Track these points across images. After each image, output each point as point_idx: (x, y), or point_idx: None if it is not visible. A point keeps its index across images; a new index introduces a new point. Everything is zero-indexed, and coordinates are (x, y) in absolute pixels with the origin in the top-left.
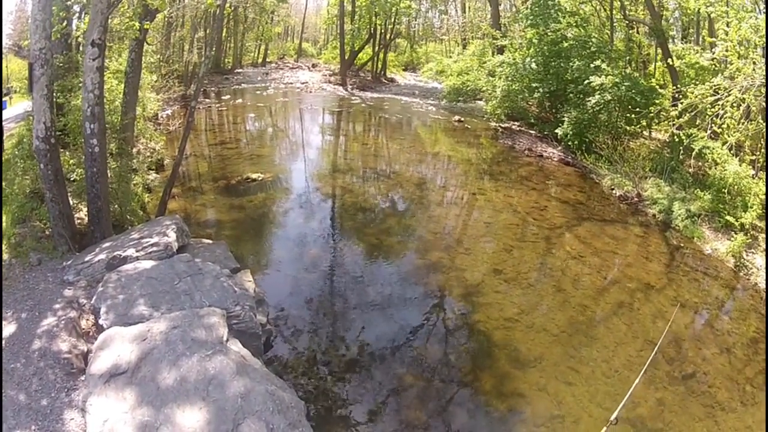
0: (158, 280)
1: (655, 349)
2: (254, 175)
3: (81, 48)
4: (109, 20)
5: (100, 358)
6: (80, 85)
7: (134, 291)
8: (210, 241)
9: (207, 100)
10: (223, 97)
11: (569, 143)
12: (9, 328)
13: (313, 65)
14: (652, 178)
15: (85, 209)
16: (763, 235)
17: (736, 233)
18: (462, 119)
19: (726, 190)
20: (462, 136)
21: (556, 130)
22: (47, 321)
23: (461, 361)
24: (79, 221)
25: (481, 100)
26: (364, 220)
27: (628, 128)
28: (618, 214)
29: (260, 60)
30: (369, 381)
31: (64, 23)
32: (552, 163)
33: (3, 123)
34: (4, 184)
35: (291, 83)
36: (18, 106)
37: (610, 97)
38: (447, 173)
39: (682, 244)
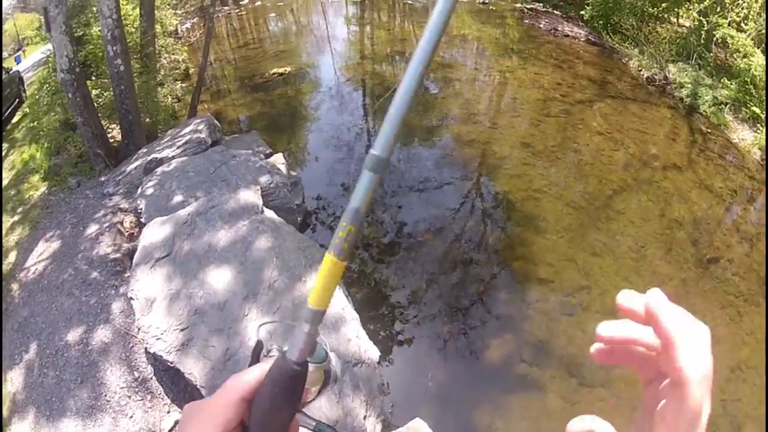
0: (194, 173)
1: None
2: (280, 70)
3: None
4: None
5: (143, 249)
6: (96, 17)
7: (171, 185)
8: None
9: (225, 7)
10: (241, 2)
11: (595, 24)
12: (53, 246)
13: None
14: (679, 62)
15: (116, 130)
16: None
17: (761, 126)
18: (487, 1)
19: (751, 82)
20: (487, 18)
21: (582, 12)
22: (91, 230)
23: (495, 233)
24: (112, 139)
25: None
26: None
27: (653, 11)
28: (645, 94)
29: None
30: (409, 264)
31: None
32: (578, 42)
33: (22, 75)
34: (33, 123)
35: None
36: (32, 57)
37: None
38: (474, 53)
39: (708, 131)
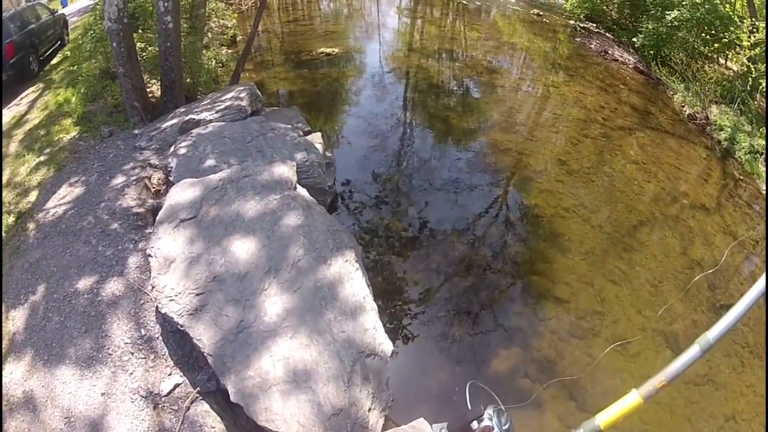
0: (230, 139)
1: None
2: (328, 50)
3: None
4: None
5: (169, 207)
6: None
7: (206, 148)
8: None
9: None
10: None
11: (645, 53)
12: (77, 191)
13: None
14: (722, 105)
15: (156, 85)
16: None
17: None
18: (541, 13)
19: None
20: (540, 30)
21: (634, 39)
22: (117, 181)
23: (518, 244)
24: (150, 95)
25: None
26: (436, 102)
27: (703, 49)
28: (685, 131)
29: None
30: (427, 261)
31: None
32: (626, 69)
33: (66, 18)
34: (72, 67)
35: None
36: (79, 2)
37: (688, 16)
38: (522, 63)
39: (741, 177)
